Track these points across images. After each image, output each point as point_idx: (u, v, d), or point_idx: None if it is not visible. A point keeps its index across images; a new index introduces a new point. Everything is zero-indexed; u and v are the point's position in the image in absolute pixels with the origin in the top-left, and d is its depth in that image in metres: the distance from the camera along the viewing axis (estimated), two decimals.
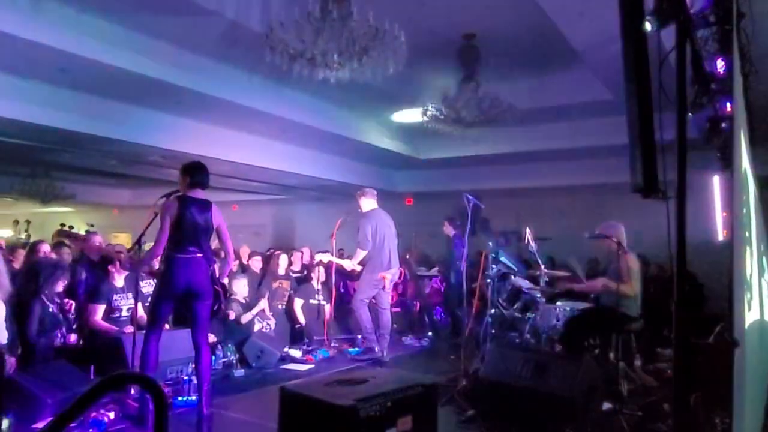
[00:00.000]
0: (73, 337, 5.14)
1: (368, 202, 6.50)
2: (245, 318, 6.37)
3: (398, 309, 8.59)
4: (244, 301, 6.61)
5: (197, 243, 4.11)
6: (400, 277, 7.54)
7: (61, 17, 5.30)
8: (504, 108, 6.72)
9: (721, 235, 5.10)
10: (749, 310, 2.97)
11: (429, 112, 6.87)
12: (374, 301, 6.48)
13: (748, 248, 3.06)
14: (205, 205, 4.20)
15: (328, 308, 7.41)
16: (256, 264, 7.82)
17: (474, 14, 5.98)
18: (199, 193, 4.22)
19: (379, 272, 6.27)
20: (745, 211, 3.08)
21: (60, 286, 5.03)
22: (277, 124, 8.38)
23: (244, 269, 7.70)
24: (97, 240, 6.30)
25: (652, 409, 4.45)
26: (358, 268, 6.54)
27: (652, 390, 5.02)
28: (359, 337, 6.98)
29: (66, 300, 5.22)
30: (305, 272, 8.27)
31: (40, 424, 3.77)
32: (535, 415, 3.97)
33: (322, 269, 7.70)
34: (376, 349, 6.28)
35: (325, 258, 6.94)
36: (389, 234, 6.39)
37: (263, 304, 6.69)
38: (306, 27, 4.67)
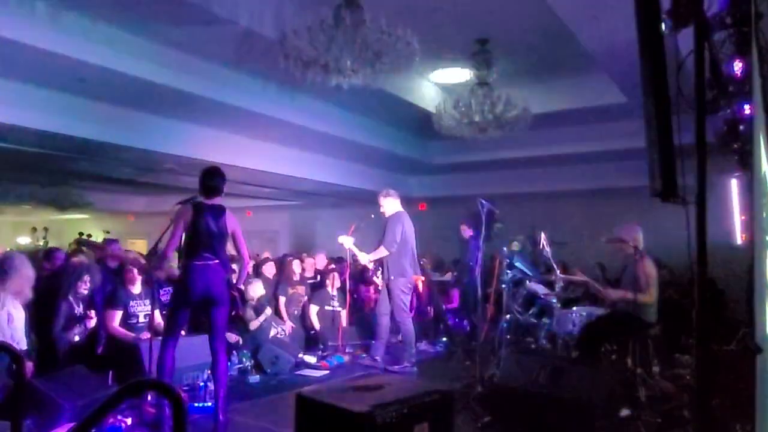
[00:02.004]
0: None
1: (394, 204, 6.37)
2: (253, 325, 6.31)
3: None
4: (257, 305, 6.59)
5: (212, 249, 4.13)
6: None
7: (78, 27, 5.38)
8: (518, 112, 6.69)
9: (740, 239, 5.02)
10: None
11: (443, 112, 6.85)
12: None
13: None
14: (220, 211, 4.21)
15: (344, 314, 7.39)
16: (270, 270, 7.84)
17: (487, 19, 5.97)
18: (215, 199, 4.24)
19: (410, 275, 6.17)
20: (765, 215, 3.03)
21: (84, 288, 5.12)
22: (291, 130, 8.42)
23: (258, 274, 7.72)
24: (117, 248, 6.37)
25: (672, 416, 4.39)
26: (371, 265, 6.43)
27: (671, 396, 4.95)
28: (374, 343, 6.94)
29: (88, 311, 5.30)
30: (319, 278, 8.28)
31: (60, 430, 3.81)
32: (551, 421, 3.94)
33: (336, 275, 7.68)
34: (378, 359, 6.18)
35: (347, 242, 6.64)
36: (414, 237, 6.31)
37: (269, 311, 6.58)
38: (319, 34, 4.70)
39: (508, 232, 7.62)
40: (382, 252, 6.14)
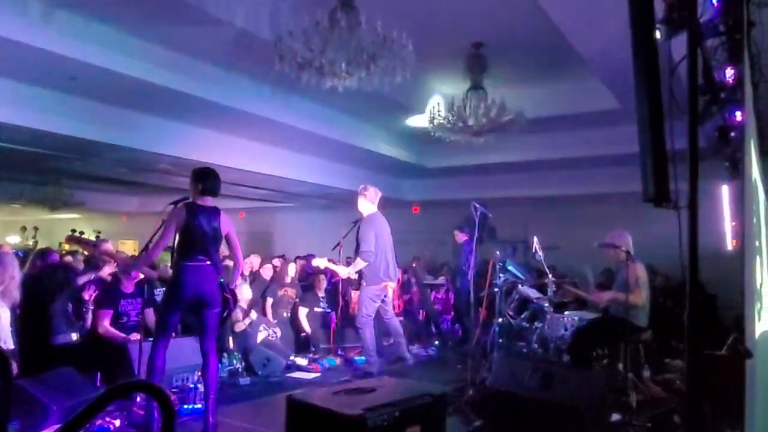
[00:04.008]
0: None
1: (368, 205, 6.01)
2: (238, 327, 6.20)
3: (402, 318, 8.56)
4: (246, 308, 6.54)
5: (205, 251, 4.09)
6: (398, 284, 6.98)
7: (71, 26, 5.35)
8: (511, 116, 6.71)
9: (730, 244, 5.05)
10: (759, 320, 2.95)
11: (436, 120, 6.85)
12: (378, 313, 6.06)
13: (758, 258, 3.04)
14: (214, 213, 4.18)
15: (332, 316, 7.36)
16: (268, 272, 7.79)
17: (482, 23, 5.99)
18: (209, 201, 4.21)
19: (381, 282, 5.84)
20: (755, 220, 3.06)
21: (75, 285, 5.09)
22: (286, 132, 8.41)
23: (254, 278, 7.67)
24: (108, 247, 6.29)
25: (662, 421, 4.40)
26: (354, 276, 6.23)
27: (662, 401, 4.97)
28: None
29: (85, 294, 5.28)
30: (308, 280, 8.25)
31: (47, 431, 3.77)
32: (542, 425, 3.94)
33: (324, 278, 7.64)
34: (374, 371, 5.81)
35: (322, 263, 6.68)
36: (389, 240, 5.96)
37: (254, 315, 6.46)
38: (314, 36, 4.69)
39: (501, 236, 7.65)
40: (359, 264, 5.82)
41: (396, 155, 10.41)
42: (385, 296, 5.97)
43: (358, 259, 5.83)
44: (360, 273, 5.96)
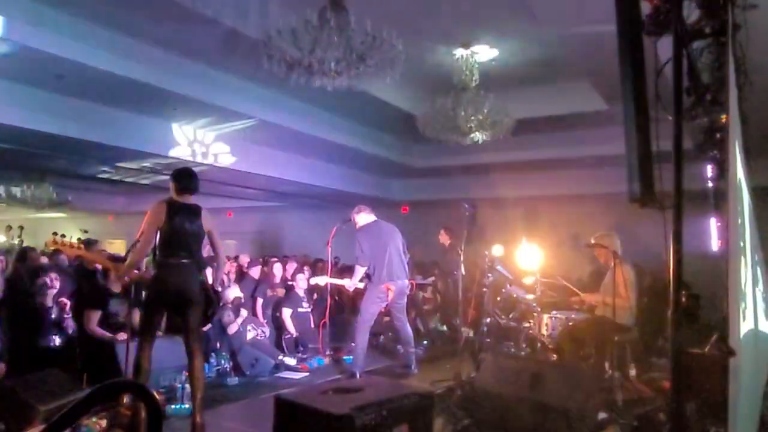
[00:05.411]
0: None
1: (364, 217, 6.15)
2: (232, 329, 6.19)
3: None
4: (234, 308, 6.50)
5: (187, 249, 4.06)
6: (411, 290, 6.80)
7: (58, 23, 5.30)
8: (500, 117, 6.73)
9: (715, 245, 5.11)
10: (744, 319, 2.98)
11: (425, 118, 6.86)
12: (389, 316, 6.18)
13: (742, 258, 3.07)
14: (195, 211, 4.15)
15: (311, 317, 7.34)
16: (256, 272, 7.75)
17: (471, 25, 6.01)
18: (190, 199, 4.18)
19: (381, 284, 5.85)
20: (740, 221, 3.09)
21: (54, 290, 5.04)
22: (274, 131, 8.38)
23: (243, 277, 7.63)
24: (96, 249, 6.22)
25: (648, 419, 4.44)
26: (361, 285, 6.26)
27: (647, 400, 5.01)
28: (353, 344, 6.90)
29: (61, 299, 5.23)
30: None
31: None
32: (530, 424, 3.96)
33: (304, 277, 7.59)
34: (358, 375, 5.78)
35: (322, 281, 6.77)
36: (391, 244, 5.99)
37: (245, 313, 6.45)
38: (304, 35, 4.68)
39: (490, 236, 7.67)
40: (358, 270, 5.97)
41: (385, 155, 10.42)
42: (388, 299, 5.95)
43: (356, 266, 6.01)
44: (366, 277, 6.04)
